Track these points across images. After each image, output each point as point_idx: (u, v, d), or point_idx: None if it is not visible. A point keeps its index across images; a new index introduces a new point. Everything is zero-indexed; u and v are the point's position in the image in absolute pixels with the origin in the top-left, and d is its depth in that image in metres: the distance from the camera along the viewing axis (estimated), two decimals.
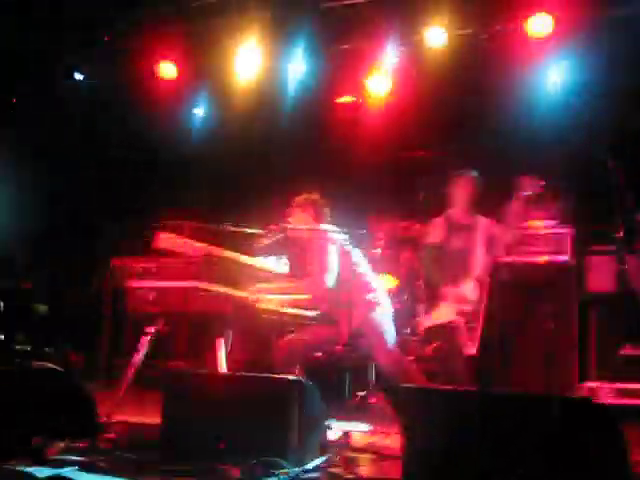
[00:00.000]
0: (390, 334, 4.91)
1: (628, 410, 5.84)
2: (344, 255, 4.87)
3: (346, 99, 8.30)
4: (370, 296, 4.91)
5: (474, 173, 5.60)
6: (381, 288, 5.14)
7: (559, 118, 6.95)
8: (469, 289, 5.31)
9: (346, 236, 4.98)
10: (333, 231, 4.97)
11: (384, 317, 4.94)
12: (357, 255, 5.06)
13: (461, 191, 5.57)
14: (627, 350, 6.29)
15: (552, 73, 7.16)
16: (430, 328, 5.37)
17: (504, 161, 6.94)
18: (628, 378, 6.19)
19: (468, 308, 5.25)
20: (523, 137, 7.08)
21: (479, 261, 5.40)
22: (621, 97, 6.53)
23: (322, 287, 4.79)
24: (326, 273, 4.78)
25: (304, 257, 5.10)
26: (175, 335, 7.82)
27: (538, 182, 5.27)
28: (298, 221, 5.04)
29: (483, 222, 5.57)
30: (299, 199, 5.11)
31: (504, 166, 6.90)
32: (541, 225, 6.61)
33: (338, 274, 4.83)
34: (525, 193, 5.27)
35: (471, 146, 7.39)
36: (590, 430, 2.80)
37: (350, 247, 4.98)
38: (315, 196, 5.14)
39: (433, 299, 5.38)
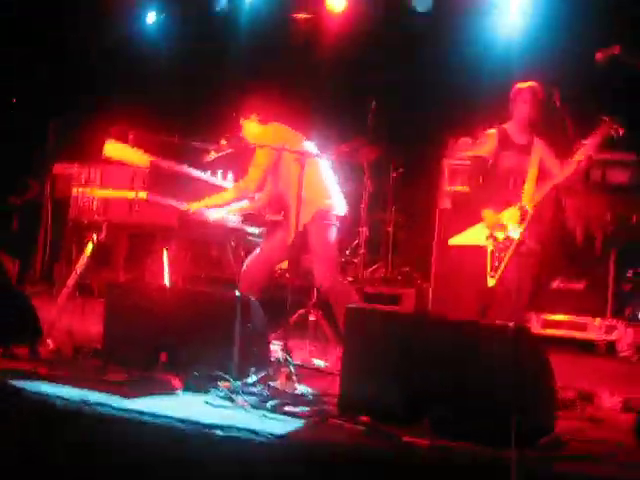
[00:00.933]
0: (334, 249, 4.82)
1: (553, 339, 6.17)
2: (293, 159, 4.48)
3: (303, 15, 8.11)
4: (327, 203, 4.79)
5: (538, 83, 4.88)
6: (341, 200, 4.96)
7: None
8: (510, 216, 4.78)
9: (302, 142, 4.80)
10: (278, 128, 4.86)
11: (333, 228, 4.80)
12: (318, 163, 4.84)
13: (520, 104, 4.86)
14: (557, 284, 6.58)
15: None
16: (454, 246, 5.08)
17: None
18: (555, 310, 6.50)
19: (502, 236, 4.75)
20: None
21: (529, 189, 4.80)
22: None
23: (251, 189, 4.79)
24: (253, 175, 4.74)
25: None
26: (116, 245, 7.75)
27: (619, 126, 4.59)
28: (250, 133, 4.91)
29: (541, 146, 4.91)
30: (257, 106, 4.94)
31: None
32: None
33: (281, 174, 4.75)
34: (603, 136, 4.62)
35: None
36: (521, 357, 2.93)
37: (306, 150, 4.66)
38: (268, 103, 5.00)
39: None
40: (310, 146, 4.82)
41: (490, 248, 4.75)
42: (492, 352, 2.94)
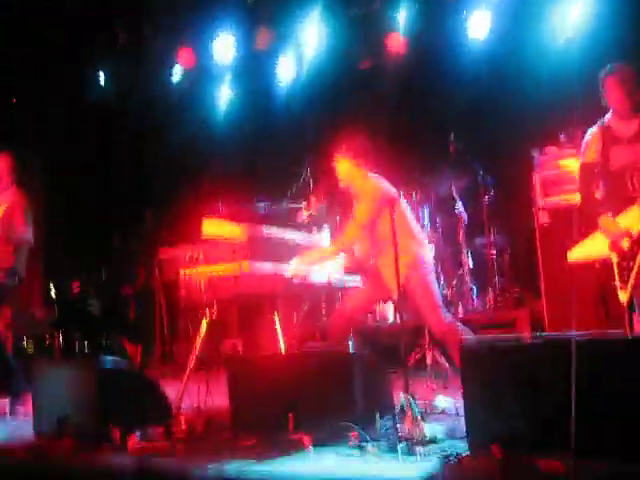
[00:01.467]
0: (437, 293, 4.77)
1: None
2: (389, 206, 4.40)
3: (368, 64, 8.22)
4: (420, 252, 4.76)
5: (624, 65, 4.44)
6: (428, 245, 4.93)
7: None
8: (633, 219, 4.26)
9: (393, 189, 4.81)
10: (376, 184, 4.83)
11: (431, 275, 4.77)
12: (406, 208, 4.87)
13: (611, 94, 4.42)
14: None
15: None
16: (575, 262, 4.57)
17: None
18: None
19: (627, 244, 4.22)
20: None
21: None
22: None
23: (350, 243, 4.82)
24: (354, 228, 4.75)
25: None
26: (227, 314, 7.98)
27: None
28: (343, 171, 4.89)
29: None
30: (351, 143, 4.90)
31: None
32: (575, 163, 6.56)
33: (378, 229, 4.71)
34: None
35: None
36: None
37: (399, 198, 4.70)
38: (358, 143, 4.94)
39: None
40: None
41: (615, 259, 4.28)
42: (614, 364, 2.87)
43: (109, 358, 4.38)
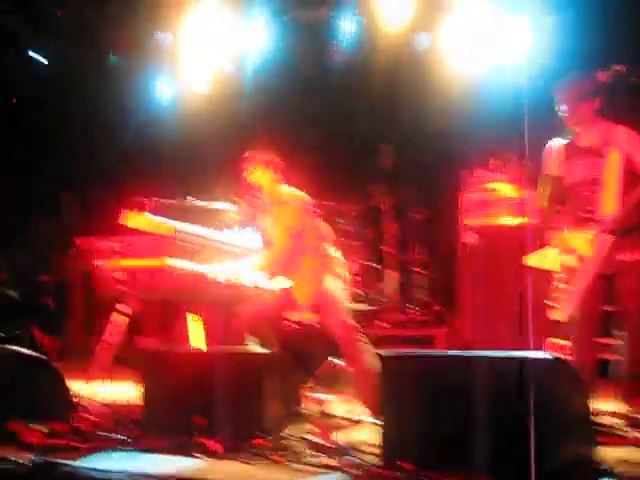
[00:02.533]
0: (342, 297, 4.75)
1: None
2: (309, 219, 4.69)
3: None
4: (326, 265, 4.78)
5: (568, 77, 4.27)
6: (338, 257, 4.93)
7: None
8: (584, 239, 4.08)
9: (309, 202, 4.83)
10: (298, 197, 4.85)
11: (338, 286, 4.77)
12: (320, 225, 4.92)
13: (571, 101, 4.17)
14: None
15: None
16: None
17: None
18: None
19: (574, 263, 4.09)
20: None
21: (608, 202, 4.04)
22: None
23: (282, 258, 4.79)
24: (282, 243, 4.75)
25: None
26: (144, 313, 7.81)
27: None
28: (257, 180, 4.89)
29: (623, 138, 4.11)
30: (256, 158, 4.91)
31: None
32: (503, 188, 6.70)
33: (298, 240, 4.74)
34: None
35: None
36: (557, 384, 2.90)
37: (313, 212, 4.79)
38: (272, 156, 4.96)
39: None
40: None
41: (560, 276, 4.17)
42: (530, 383, 2.90)
43: (13, 347, 4.20)
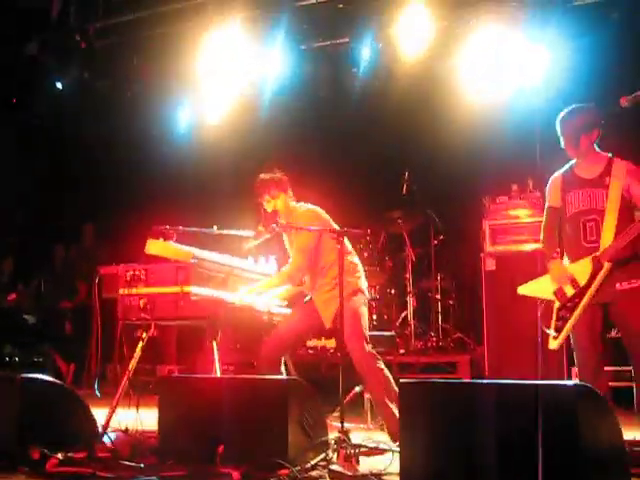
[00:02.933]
0: (364, 323, 4.64)
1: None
2: (329, 238, 4.52)
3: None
4: (354, 280, 4.72)
5: (568, 110, 4.33)
6: (364, 276, 4.88)
7: None
8: (582, 268, 4.14)
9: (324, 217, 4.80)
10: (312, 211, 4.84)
11: (362, 306, 4.70)
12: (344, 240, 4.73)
13: (561, 139, 4.30)
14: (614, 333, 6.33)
15: None
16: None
17: None
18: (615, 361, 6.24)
19: (571, 292, 4.15)
20: None
21: (607, 232, 4.08)
22: None
23: (297, 275, 4.79)
24: (298, 261, 4.74)
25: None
26: (165, 339, 7.83)
27: None
28: (271, 205, 4.87)
29: (622, 170, 4.16)
30: (268, 183, 4.88)
31: None
32: (524, 214, 6.68)
33: (319, 258, 4.73)
34: None
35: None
36: (583, 413, 2.84)
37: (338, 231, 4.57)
38: (281, 175, 4.94)
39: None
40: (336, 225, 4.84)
41: (556, 305, 4.23)
42: (551, 412, 2.85)
43: (36, 374, 4.21)
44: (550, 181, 4.47)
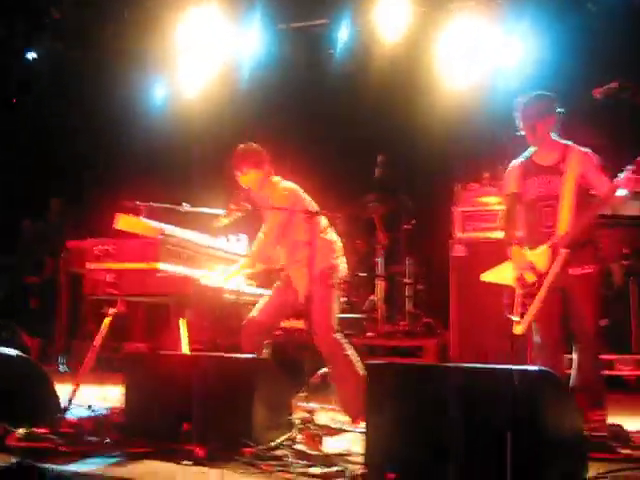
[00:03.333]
0: (333, 307, 4.58)
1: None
2: (306, 217, 4.47)
3: None
4: (328, 259, 4.68)
5: (526, 96, 4.35)
6: (340, 255, 4.84)
7: None
8: (541, 255, 4.19)
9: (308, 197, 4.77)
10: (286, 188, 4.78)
11: (333, 288, 4.64)
12: (321, 219, 4.78)
13: (526, 120, 4.30)
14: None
15: None
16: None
17: None
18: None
19: (531, 278, 4.20)
20: None
21: (563, 218, 4.14)
22: None
23: (263, 255, 4.76)
24: (269, 239, 4.69)
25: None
26: (133, 317, 7.76)
27: None
28: (246, 181, 4.83)
29: (578, 158, 4.22)
30: (245, 155, 4.82)
31: None
32: (495, 201, 6.71)
33: (292, 235, 4.68)
34: None
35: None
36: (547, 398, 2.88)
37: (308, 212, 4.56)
38: (257, 149, 4.87)
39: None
40: (314, 204, 4.81)
41: (518, 291, 4.26)
42: (517, 396, 2.87)
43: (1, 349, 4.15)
44: (509, 168, 4.50)
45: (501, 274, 4.42)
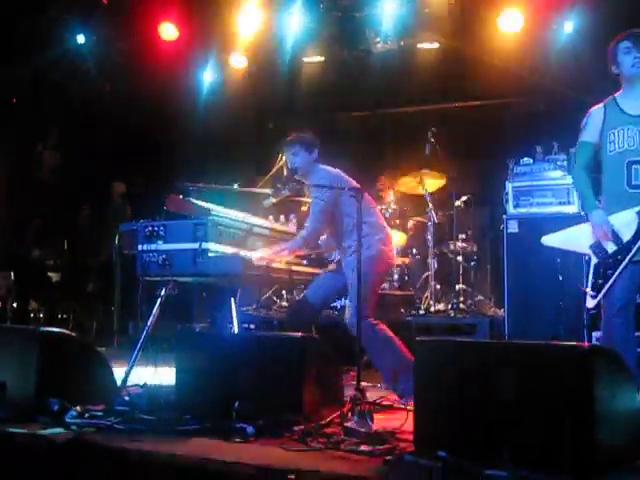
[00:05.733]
0: (369, 289, 4.47)
1: None
2: (348, 199, 4.40)
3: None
4: (374, 242, 4.65)
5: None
6: (387, 237, 4.80)
7: None
8: (626, 221, 3.69)
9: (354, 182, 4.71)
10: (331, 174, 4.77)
11: (377, 271, 4.63)
12: (370, 202, 4.81)
13: (623, 57, 3.81)
14: None
15: None
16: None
17: None
18: None
19: (613, 248, 3.73)
20: None
21: None
22: None
23: (312, 239, 4.74)
24: (312, 225, 4.68)
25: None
26: (186, 298, 7.88)
27: None
28: (294, 162, 4.83)
29: None
30: (299, 136, 4.87)
31: None
32: (549, 176, 6.57)
33: (339, 220, 4.68)
34: None
35: None
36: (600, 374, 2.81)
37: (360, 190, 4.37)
38: (308, 134, 4.91)
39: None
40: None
41: (594, 261, 3.81)
42: (563, 373, 2.82)
43: (58, 330, 4.25)
44: (590, 113, 3.95)
45: (569, 239, 4.01)
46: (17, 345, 4.13)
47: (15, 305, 8.03)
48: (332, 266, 4.91)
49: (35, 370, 3.87)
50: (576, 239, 3.95)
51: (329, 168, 4.85)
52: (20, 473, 3.30)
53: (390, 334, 4.58)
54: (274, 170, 4.91)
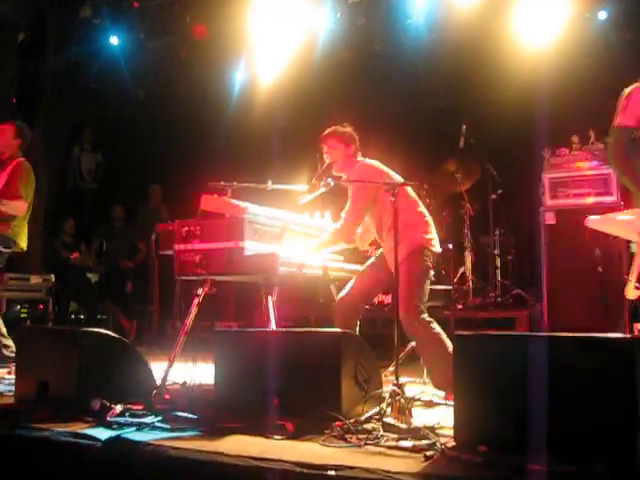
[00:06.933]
0: (418, 283, 4.46)
1: None
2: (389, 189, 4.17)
3: None
4: (419, 234, 4.59)
5: None
6: (432, 229, 4.73)
7: None
8: None
9: (395, 175, 4.69)
10: (369, 168, 4.73)
11: (424, 264, 4.52)
12: (412, 195, 4.74)
13: None
14: None
15: None
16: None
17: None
18: None
19: None
20: None
21: None
22: None
23: (348, 233, 4.70)
24: (351, 217, 4.64)
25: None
26: (224, 297, 7.93)
27: None
28: (332, 156, 4.82)
29: None
30: (337, 130, 4.85)
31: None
32: (586, 166, 6.47)
33: (378, 214, 4.64)
34: None
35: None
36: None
37: (400, 183, 4.39)
38: (347, 128, 4.88)
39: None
40: (399, 178, 4.76)
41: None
42: (606, 366, 2.77)
43: (97, 330, 4.30)
44: (630, 94, 3.64)
45: (616, 225, 3.84)
46: (58, 346, 4.20)
47: (56, 307, 8.13)
48: (373, 261, 4.88)
49: (76, 370, 3.93)
50: (624, 225, 3.78)
51: (369, 162, 4.81)
52: (64, 472, 3.35)
53: (443, 334, 4.47)
54: (321, 169, 4.87)
